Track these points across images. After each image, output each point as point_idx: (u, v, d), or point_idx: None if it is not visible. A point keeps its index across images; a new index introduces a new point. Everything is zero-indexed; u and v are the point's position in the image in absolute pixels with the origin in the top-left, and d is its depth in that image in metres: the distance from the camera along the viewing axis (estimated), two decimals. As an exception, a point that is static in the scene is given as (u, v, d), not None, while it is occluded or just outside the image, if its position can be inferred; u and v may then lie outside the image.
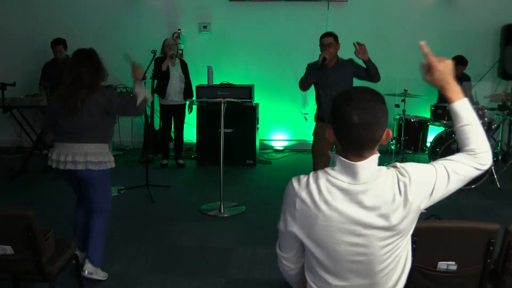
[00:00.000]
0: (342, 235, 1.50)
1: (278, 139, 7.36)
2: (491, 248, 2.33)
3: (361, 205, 1.48)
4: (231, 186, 5.34)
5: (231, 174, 5.80)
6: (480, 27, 6.80)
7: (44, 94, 5.95)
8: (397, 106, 5.87)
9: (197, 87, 6.24)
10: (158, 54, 5.78)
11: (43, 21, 7.04)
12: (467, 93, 6.12)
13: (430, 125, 6.04)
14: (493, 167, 5.35)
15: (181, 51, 7.02)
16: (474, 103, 5.84)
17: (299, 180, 1.56)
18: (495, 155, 6.15)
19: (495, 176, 5.43)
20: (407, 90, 5.72)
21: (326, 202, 1.49)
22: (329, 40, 4.28)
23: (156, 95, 6.11)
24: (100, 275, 3.40)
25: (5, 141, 7.18)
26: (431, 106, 5.85)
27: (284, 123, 7.28)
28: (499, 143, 6.42)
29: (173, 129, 6.43)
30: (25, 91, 6.60)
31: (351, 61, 4.41)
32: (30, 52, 7.05)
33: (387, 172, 1.51)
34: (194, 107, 6.41)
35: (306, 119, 7.10)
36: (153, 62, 5.69)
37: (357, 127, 1.43)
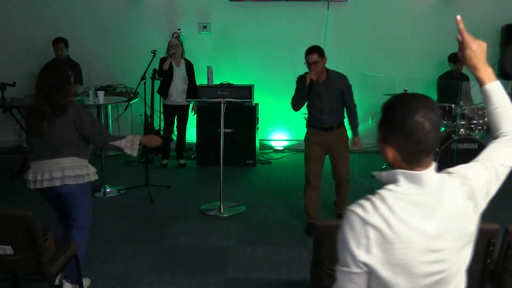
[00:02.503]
0: (421, 255, 1.37)
1: (278, 139, 7.36)
2: (491, 248, 2.33)
3: (438, 218, 1.38)
4: (231, 186, 5.34)
5: (231, 174, 5.80)
6: (480, 27, 6.72)
7: (44, 94, 5.94)
8: (397, 106, 5.87)
9: (197, 87, 6.24)
10: (158, 54, 5.79)
11: (43, 21, 7.03)
12: (467, 93, 6.13)
13: (430, 125, 6.03)
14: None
15: (182, 51, 7.03)
16: (473, 103, 5.84)
17: (362, 206, 1.38)
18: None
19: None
20: (407, 90, 5.72)
21: (403, 221, 1.35)
22: (313, 58, 4.07)
23: (158, 95, 6.12)
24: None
25: (5, 141, 7.17)
26: (431, 106, 5.84)
27: (284, 123, 7.27)
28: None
29: (175, 130, 6.43)
30: (25, 91, 6.60)
31: (343, 78, 4.28)
32: (30, 52, 7.04)
33: (452, 180, 1.44)
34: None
35: (305, 119, 7.07)
36: (153, 62, 5.69)
37: (430, 133, 1.35)
